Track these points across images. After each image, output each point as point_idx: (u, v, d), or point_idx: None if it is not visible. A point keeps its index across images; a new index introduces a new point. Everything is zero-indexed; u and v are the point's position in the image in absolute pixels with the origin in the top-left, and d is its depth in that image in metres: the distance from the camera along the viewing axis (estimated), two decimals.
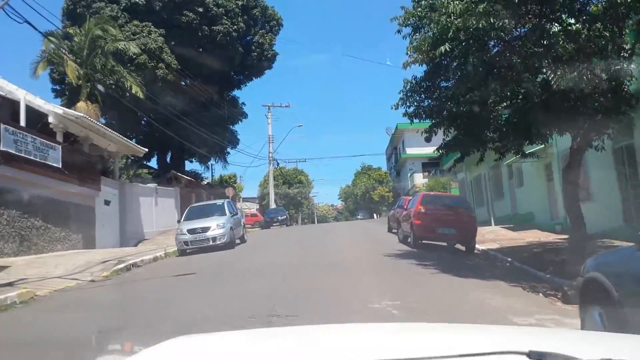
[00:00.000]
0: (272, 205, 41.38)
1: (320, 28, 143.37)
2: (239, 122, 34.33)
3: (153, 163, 33.31)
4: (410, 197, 20.89)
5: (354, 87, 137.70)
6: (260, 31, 31.94)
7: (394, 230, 20.11)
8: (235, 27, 29.28)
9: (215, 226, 15.06)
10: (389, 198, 52.08)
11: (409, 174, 49.68)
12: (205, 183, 35.90)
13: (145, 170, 25.08)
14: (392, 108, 10.78)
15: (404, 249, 14.22)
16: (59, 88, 27.59)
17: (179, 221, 16.18)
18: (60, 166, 14.54)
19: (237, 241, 16.64)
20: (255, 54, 31.57)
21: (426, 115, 10.78)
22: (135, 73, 23.20)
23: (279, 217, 33.91)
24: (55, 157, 14.42)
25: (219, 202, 17.21)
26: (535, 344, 1.10)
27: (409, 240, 15.08)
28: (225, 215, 15.76)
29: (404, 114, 10.85)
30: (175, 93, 27.97)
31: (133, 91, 21.91)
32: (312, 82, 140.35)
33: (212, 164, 38.75)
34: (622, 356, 1.02)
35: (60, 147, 14.99)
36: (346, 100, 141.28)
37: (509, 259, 11.41)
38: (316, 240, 18.66)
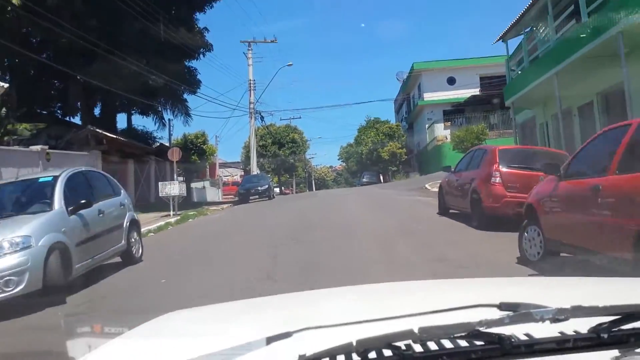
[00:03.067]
0: (255, 171, 31.73)
1: None
2: (200, 55, 24.17)
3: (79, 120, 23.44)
4: (485, 148, 11.49)
5: (358, 21, 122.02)
6: None
7: (453, 211, 10.81)
8: None
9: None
10: (401, 156, 42.40)
11: (427, 125, 39.86)
12: (157, 146, 26.10)
13: (26, 125, 15.25)
14: None
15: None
16: None
17: None
18: None
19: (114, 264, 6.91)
20: None
21: None
22: None
23: (258, 188, 24.33)
24: None
25: (44, 177, 6.77)
26: (505, 295, 1.09)
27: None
28: (47, 212, 5.97)
29: None
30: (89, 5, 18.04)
31: None
32: (304, 12, 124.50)
33: (170, 120, 28.83)
34: (591, 302, 0.98)
35: None
36: (348, 39, 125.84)
37: None
38: (309, 249, 8.23)
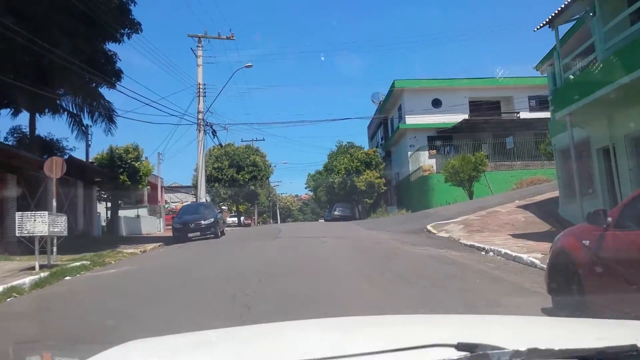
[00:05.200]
0: (202, 198, 25.18)
1: None
2: (123, 37, 17.72)
3: None
4: None
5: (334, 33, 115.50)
6: None
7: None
8: None
9: None
10: (379, 186, 36.74)
11: (409, 153, 34.50)
12: (66, 158, 19.36)
13: None
14: None
15: None
16: None
17: None
18: None
19: None
20: None
21: None
22: None
23: (201, 222, 17.88)
24: None
25: None
26: (464, 334, 1.12)
27: None
28: None
29: None
30: None
31: None
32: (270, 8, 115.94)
33: (89, 126, 22.20)
34: (548, 344, 1.00)
35: None
36: (319, 49, 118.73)
37: None
38: None
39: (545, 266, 8.78)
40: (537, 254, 9.63)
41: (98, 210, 22.06)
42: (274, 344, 1.51)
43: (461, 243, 13.26)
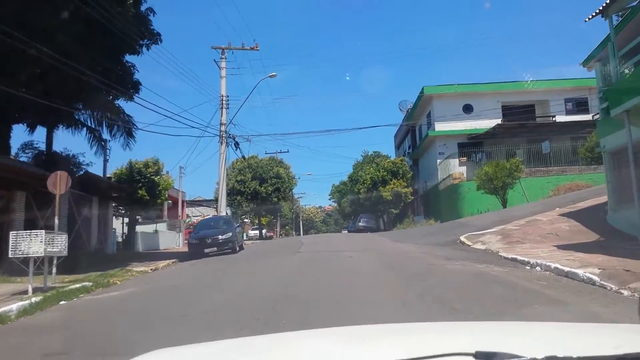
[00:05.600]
0: (223, 211, 24.26)
1: None
2: (143, 48, 17.02)
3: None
4: None
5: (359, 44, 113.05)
6: None
7: None
8: None
9: None
10: (406, 196, 35.29)
11: (438, 161, 33.05)
12: (80, 174, 18.73)
13: None
14: None
15: None
16: None
17: None
18: None
19: None
20: None
21: None
22: None
23: (219, 237, 16.91)
24: None
25: None
26: (483, 342, 1.18)
27: None
28: None
29: None
30: None
31: None
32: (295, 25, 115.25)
33: (107, 140, 21.61)
34: (567, 351, 1.00)
35: None
36: (345, 56, 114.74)
37: None
38: None
39: (609, 284, 7.45)
40: (593, 269, 8.25)
41: (114, 227, 21.34)
42: (294, 354, 1.50)
43: (501, 256, 11.88)
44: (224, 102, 25.50)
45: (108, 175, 22.09)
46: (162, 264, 15.18)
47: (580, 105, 32.15)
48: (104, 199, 20.18)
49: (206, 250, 16.57)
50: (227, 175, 38.77)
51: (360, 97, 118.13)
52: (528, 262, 10.43)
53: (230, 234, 17.29)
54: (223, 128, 25.36)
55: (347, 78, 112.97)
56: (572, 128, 29.54)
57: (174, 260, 16.13)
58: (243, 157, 30.84)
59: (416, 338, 1.64)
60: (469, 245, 14.52)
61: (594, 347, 1.33)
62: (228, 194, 37.82)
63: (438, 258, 11.64)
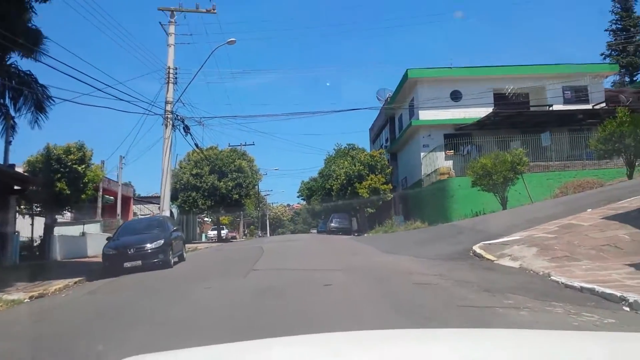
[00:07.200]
0: (165, 209, 19.50)
1: None
2: None
3: None
4: None
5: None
6: None
7: None
8: None
9: None
10: (385, 193, 31.27)
11: (422, 154, 29.17)
12: None
13: None
14: None
15: None
16: None
17: None
18: None
19: None
20: None
21: None
22: None
23: (146, 246, 12.29)
24: None
25: None
26: (472, 351, 1.19)
27: None
28: None
29: None
30: None
31: None
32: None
33: (13, 117, 16.68)
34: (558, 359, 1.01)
35: None
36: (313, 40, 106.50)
37: None
38: None
39: None
40: None
41: (17, 229, 16.37)
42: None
43: (554, 281, 7.87)
44: (170, 75, 20.77)
45: (13, 163, 17.09)
46: (58, 285, 10.48)
47: (580, 93, 28.84)
48: (1, 193, 15.26)
49: (126, 265, 11.92)
50: (180, 167, 33.85)
51: (337, 78, 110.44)
52: (619, 297, 6.43)
53: (162, 241, 12.65)
54: (169, 107, 20.61)
55: (327, 84, 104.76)
56: (572, 118, 26.22)
57: (79, 278, 11.40)
58: (197, 145, 26.06)
59: (405, 346, 1.59)
60: (493, 261, 10.45)
61: (586, 353, 1.32)
62: (182, 190, 32.95)
63: (463, 286, 7.47)
